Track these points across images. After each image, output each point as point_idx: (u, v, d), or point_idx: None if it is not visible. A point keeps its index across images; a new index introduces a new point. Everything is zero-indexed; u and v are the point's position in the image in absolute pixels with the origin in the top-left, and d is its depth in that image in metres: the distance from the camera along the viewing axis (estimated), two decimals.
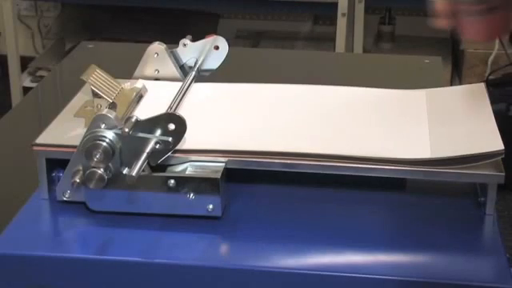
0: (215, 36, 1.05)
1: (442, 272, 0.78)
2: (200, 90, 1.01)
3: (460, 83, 2.61)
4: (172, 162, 0.86)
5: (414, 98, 1.00)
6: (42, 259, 0.80)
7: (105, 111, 0.84)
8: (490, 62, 2.61)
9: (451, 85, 2.35)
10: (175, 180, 0.83)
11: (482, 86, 1.01)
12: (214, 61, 1.03)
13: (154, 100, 0.99)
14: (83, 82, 0.95)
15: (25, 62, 2.79)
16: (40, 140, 0.88)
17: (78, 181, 0.84)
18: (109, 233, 0.83)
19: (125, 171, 0.83)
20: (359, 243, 0.81)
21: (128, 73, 1.04)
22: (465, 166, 0.84)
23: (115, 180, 0.83)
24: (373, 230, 0.83)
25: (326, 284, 0.77)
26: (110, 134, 0.83)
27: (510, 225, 2.29)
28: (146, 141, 0.83)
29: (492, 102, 0.96)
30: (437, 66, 1.33)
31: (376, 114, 0.97)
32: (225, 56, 1.04)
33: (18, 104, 2.33)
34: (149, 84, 1.02)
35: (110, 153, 0.82)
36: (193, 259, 0.79)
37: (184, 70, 1.06)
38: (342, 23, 2.52)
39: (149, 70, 1.04)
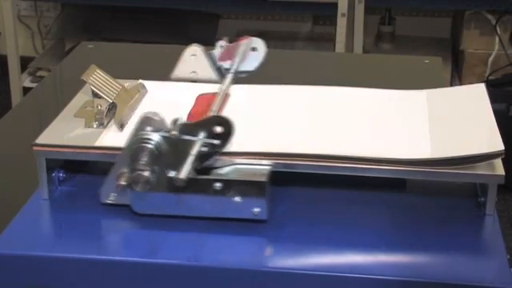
0: (251, 38, 1.04)
1: (442, 272, 0.78)
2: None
3: (460, 83, 2.61)
4: (216, 165, 0.85)
5: (415, 99, 1.00)
6: (42, 259, 0.80)
7: (150, 113, 0.83)
8: (489, 62, 2.61)
9: (451, 85, 2.35)
10: (221, 183, 0.82)
11: (483, 86, 1.01)
12: (252, 62, 1.02)
13: (155, 100, 0.99)
14: (83, 82, 0.95)
15: (25, 62, 2.79)
16: (40, 140, 0.88)
17: (123, 183, 0.82)
18: (108, 232, 0.83)
19: (171, 174, 0.82)
20: (359, 243, 0.81)
21: (128, 73, 1.04)
22: (465, 166, 0.84)
23: (161, 183, 0.82)
24: (373, 230, 0.83)
25: (326, 284, 0.77)
26: (156, 137, 0.81)
27: (510, 225, 2.29)
28: (192, 143, 0.82)
29: (492, 102, 0.96)
30: (437, 66, 1.33)
31: (376, 115, 0.97)
32: (263, 57, 1.03)
33: (17, 104, 2.33)
34: (149, 84, 1.02)
35: (156, 155, 0.81)
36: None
37: (220, 71, 1.05)
38: (341, 23, 2.52)
39: (185, 72, 1.03)
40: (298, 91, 1.03)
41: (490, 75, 2.58)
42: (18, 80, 2.72)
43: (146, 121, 0.82)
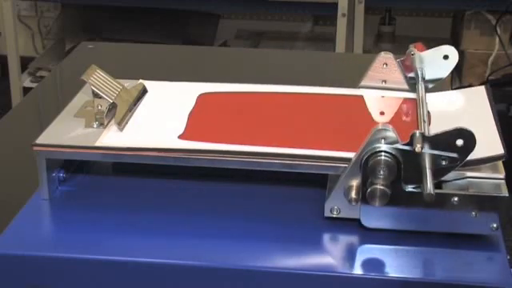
0: (441, 46, 1.01)
1: (442, 272, 0.78)
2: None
3: (460, 83, 2.61)
4: (446, 178, 0.82)
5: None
6: (42, 259, 0.80)
7: (382, 126, 0.80)
8: (489, 62, 2.62)
9: (451, 85, 2.36)
10: (459, 197, 0.80)
11: (483, 89, 1.01)
12: (442, 70, 1.01)
13: (155, 100, 0.99)
14: (83, 82, 0.95)
15: (25, 63, 2.80)
16: (40, 140, 0.88)
17: (355, 197, 0.81)
18: (110, 232, 0.83)
19: (408, 188, 0.80)
20: (359, 243, 0.81)
21: (128, 73, 1.04)
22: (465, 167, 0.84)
23: (396, 197, 0.80)
24: (372, 230, 0.83)
25: (326, 284, 0.77)
26: (393, 150, 0.79)
27: (511, 225, 2.29)
28: (432, 157, 0.79)
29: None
30: None
31: (377, 117, 0.97)
32: (454, 65, 1.01)
33: (18, 104, 2.33)
34: (149, 84, 1.02)
35: (394, 169, 0.79)
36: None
37: (407, 80, 1.03)
38: (341, 23, 2.52)
39: (376, 80, 1.02)
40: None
41: (490, 75, 2.58)
42: (18, 80, 2.72)
43: (379, 133, 0.80)
